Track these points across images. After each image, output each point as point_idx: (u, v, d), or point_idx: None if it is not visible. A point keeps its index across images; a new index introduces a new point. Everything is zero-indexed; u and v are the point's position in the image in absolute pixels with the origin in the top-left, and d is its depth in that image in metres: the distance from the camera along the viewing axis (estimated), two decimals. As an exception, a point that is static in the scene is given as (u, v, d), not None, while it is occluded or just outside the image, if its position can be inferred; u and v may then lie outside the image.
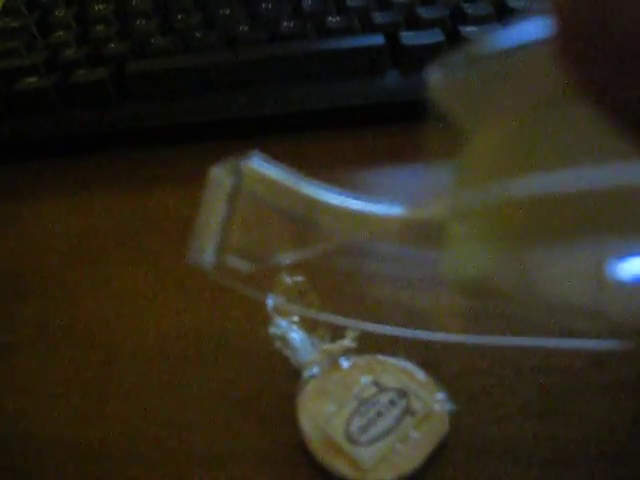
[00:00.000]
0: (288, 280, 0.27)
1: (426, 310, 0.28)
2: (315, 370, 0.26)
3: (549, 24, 0.12)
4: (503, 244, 0.15)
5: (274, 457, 0.25)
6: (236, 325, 0.29)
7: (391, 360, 0.26)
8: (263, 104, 0.39)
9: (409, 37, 0.39)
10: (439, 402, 0.25)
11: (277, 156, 0.20)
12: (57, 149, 0.41)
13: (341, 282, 0.30)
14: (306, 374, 0.26)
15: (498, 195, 0.14)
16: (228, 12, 0.43)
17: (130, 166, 0.39)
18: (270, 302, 0.26)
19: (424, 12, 0.40)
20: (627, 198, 0.13)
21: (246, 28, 0.41)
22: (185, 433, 0.26)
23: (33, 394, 0.28)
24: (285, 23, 0.41)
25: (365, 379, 0.25)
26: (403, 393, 0.25)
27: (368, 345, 0.27)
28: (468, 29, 0.39)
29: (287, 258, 0.21)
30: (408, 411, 0.24)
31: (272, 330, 0.26)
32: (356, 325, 0.24)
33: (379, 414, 0.24)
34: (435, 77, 0.16)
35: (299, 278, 0.27)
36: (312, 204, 0.19)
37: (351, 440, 0.23)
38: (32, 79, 0.40)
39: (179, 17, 0.43)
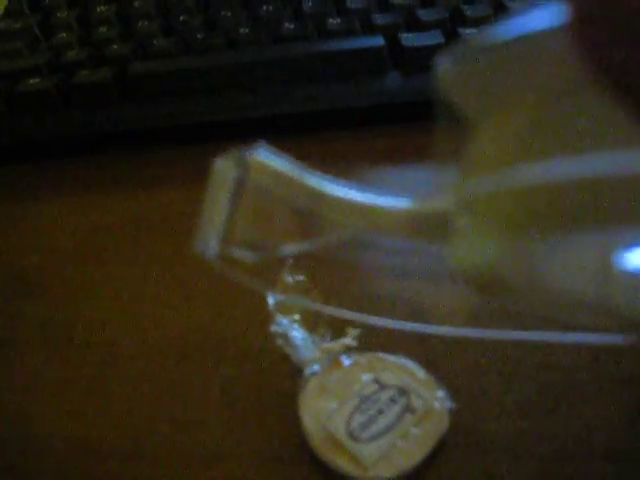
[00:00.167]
0: (290, 279, 0.27)
1: (430, 304, 0.28)
2: (316, 368, 0.26)
3: (563, 10, 0.12)
4: (510, 235, 0.15)
5: (276, 454, 0.25)
6: (237, 323, 0.29)
7: (392, 358, 0.26)
8: (264, 105, 0.39)
9: (409, 39, 0.39)
10: (439, 400, 0.25)
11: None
12: (59, 150, 0.41)
13: (345, 275, 0.30)
14: (307, 372, 0.26)
15: (504, 184, 0.14)
16: (229, 14, 0.43)
17: (132, 167, 0.39)
18: (271, 300, 0.27)
19: (424, 14, 0.40)
20: (636, 186, 0.13)
21: (247, 30, 0.41)
22: (187, 431, 0.26)
23: (33, 394, 0.28)
24: (286, 25, 0.41)
25: (366, 377, 0.26)
26: (403, 391, 0.25)
27: (369, 343, 0.27)
28: (467, 31, 0.39)
29: (291, 250, 0.20)
30: (408, 408, 0.24)
31: (273, 328, 0.26)
32: (359, 318, 0.24)
33: (380, 411, 0.24)
34: (444, 66, 0.15)
35: (301, 277, 0.27)
36: (317, 196, 0.19)
37: (352, 437, 0.24)
38: (34, 80, 0.40)
39: (181, 19, 0.43)
